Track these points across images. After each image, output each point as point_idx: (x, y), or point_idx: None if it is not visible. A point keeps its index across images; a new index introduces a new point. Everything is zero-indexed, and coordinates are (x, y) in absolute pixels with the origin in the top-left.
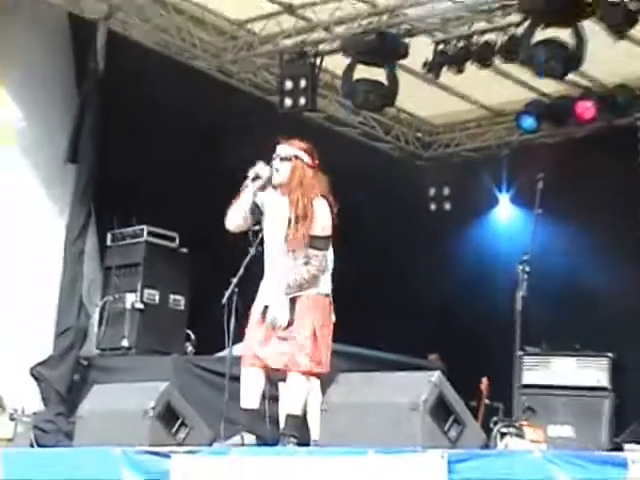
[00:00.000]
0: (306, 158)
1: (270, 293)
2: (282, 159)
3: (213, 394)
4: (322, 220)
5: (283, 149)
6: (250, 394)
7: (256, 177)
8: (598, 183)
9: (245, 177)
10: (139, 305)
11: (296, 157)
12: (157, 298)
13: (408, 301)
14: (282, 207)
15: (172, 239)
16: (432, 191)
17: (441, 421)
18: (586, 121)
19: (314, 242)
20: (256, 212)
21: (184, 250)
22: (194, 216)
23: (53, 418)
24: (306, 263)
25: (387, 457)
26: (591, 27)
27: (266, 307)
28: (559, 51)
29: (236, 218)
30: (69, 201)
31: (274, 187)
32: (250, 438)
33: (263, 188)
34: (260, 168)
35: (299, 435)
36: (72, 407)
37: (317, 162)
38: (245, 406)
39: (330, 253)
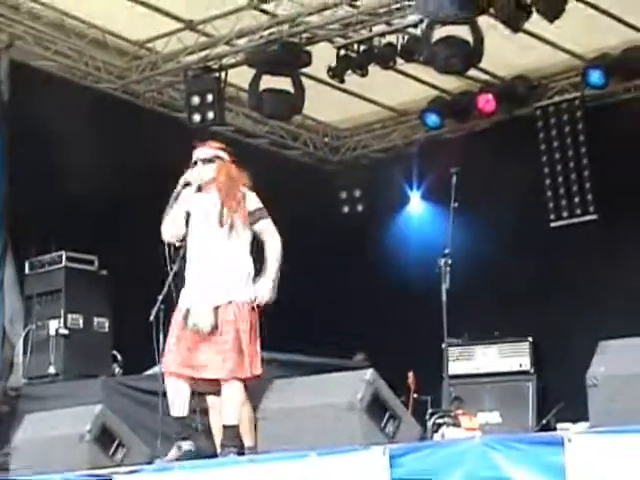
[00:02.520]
0: (225, 156)
1: (192, 298)
2: (204, 161)
3: (145, 412)
4: (252, 196)
5: (202, 152)
6: (179, 402)
7: (187, 184)
8: (503, 172)
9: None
10: (63, 331)
11: (217, 157)
12: (81, 322)
13: (329, 304)
14: (210, 200)
15: (91, 262)
16: (344, 194)
17: (378, 418)
18: (488, 114)
19: (256, 214)
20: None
21: (104, 272)
22: (110, 237)
23: None
24: (260, 235)
25: (329, 458)
26: (485, 21)
27: (188, 310)
28: (459, 48)
29: (173, 227)
30: None
31: (199, 189)
32: (187, 444)
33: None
34: (189, 175)
35: (238, 445)
36: (3, 439)
37: (234, 159)
38: (176, 414)
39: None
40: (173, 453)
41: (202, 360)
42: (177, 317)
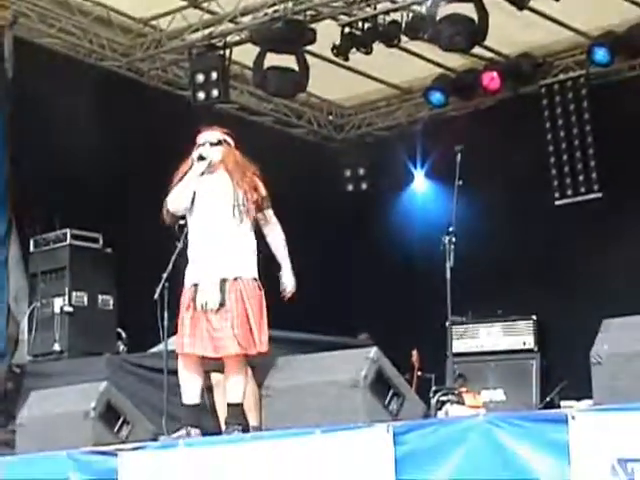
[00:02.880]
0: (231, 141)
1: (199, 274)
2: (212, 144)
3: (150, 390)
4: (261, 185)
5: (210, 135)
6: (190, 389)
7: (201, 158)
8: (508, 151)
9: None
10: (68, 308)
11: (225, 140)
12: (85, 300)
13: (333, 282)
14: (219, 181)
15: (95, 240)
16: (348, 172)
17: (381, 395)
18: (492, 92)
19: (266, 202)
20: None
21: (108, 250)
22: (115, 215)
23: None
24: (264, 223)
25: (334, 435)
26: None
27: (195, 286)
28: (464, 25)
29: (182, 198)
30: None
31: (202, 173)
32: (195, 432)
33: (204, 171)
34: (205, 149)
35: (243, 422)
36: (8, 416)
37: (237, 145)
38: (186, 402)
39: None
40: (180, 435)
41: (210, 337)
42: (185, 296)
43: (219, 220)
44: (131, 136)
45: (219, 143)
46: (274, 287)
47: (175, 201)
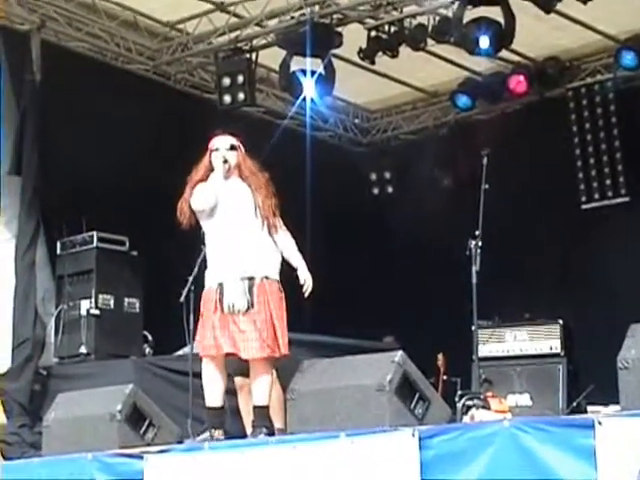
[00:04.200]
0: (242, 148)
1: (224, 273)
2: (228, 149)
3: (175, 392)
4: (273, 193)
5: (226, 140)
6: (214, 392)
7: (225, 161)
8: (535, 154)
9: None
10: (94, 311)
11: (238, 147)
12: (112, 303)
13: (359, 285)
14: (238, 189)
15: (122, 243)
16: (374, 176)
17: (407, 400)
18: (519, 95)
19: (278, 210)
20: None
21: (135, 253)
22: (141, 218)
23: (17, 430)
24: (275, 230)
25: (359, 439)
26: (517, 2)
27: (220, 285)
28: (491, 29)
29: (207, 195)
30: (16, 213)
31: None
32: (219, 433)
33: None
34: (227, 153)
35: (269, 425)
36: (35, 417)
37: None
38: (210, 404)
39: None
40: (204, 438)
41: (235, 339)
42: (208, 296)
43: (242, 222)
44: (158, 139)
45: (233, 149)
46: (299, 290)
47: (201, 198)
